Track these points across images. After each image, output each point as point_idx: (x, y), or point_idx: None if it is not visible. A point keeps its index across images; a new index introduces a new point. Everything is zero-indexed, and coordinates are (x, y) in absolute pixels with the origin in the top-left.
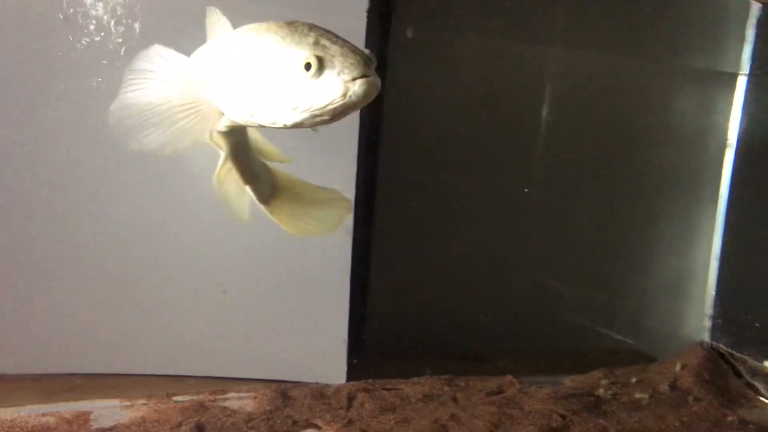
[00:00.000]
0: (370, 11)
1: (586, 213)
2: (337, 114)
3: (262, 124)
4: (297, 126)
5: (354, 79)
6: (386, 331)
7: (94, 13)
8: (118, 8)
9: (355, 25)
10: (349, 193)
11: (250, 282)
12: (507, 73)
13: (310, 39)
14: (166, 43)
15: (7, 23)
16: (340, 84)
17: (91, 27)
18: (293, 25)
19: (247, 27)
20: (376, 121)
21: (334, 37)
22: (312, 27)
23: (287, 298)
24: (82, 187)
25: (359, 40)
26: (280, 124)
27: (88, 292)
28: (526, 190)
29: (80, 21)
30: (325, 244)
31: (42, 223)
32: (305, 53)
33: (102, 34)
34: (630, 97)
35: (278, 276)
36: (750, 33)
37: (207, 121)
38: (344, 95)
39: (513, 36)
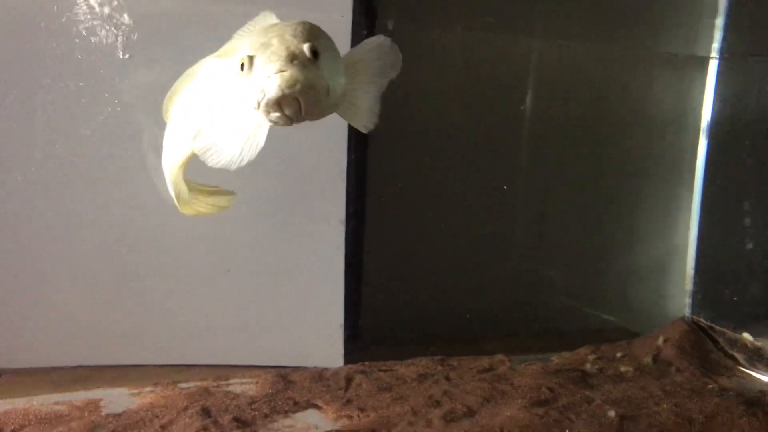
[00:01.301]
0: (354, 6)
1: (569, 198)
2: (278, 109)
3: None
4: (276, 125)
5: (270, 75)
6: (380, 317)
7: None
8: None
9: (341, 21)
10: (340, 184)
11: (248, 273)
12: (489, 64)
13: (264, 39)
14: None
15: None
16: (258, 80)
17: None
18: (270, 27)
19: (247, 32)
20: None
21: (290, 36)
22: (283, 26)
23: (285, 288)
24: (85, 180)
25: (345, 35)
26: (263, 124)
27: (94, 287)
28: (505, 187)
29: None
30: (320, 234)
31: (47, 218)
32: (243, 55)
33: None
34: (608, 84)
35: (275, 267)
36: (721, 17)
37: (258, 127)
38: (262, 92)
39: (494, 27)
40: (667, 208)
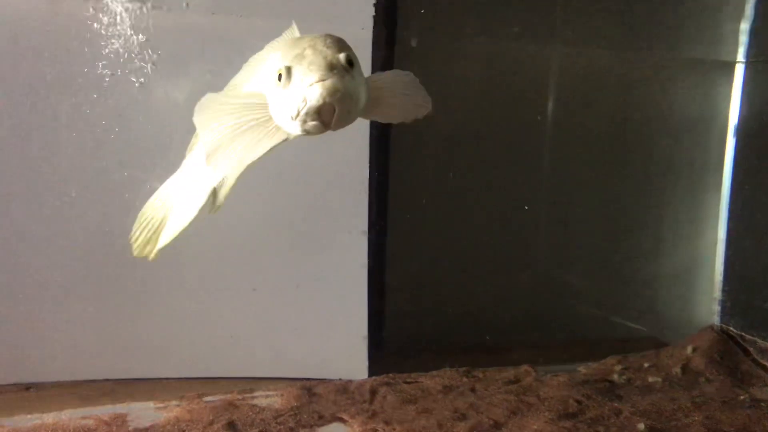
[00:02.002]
0: (375, 19)
1: (594, 204)
2: (317, 117)
3: (293, 134)
4: (308, 134)
5: (312, 84)
6: (404, 327)
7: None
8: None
9: (362, 34)
10: (363, 195)
11: (272, 285)
12: (511, 72)
13: (297, 50)
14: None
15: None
16: (298, 90)
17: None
18: (300, 39)
19: (278, 44)
20: (387, 126)
21: (323, 46)
22: (314, 38)
23: (308, 299)
24: (110, 192)
25: (366, 48)
26: (298, 133)
27: (121, 301)
28: (526, 207)
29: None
30: (342, 246)
31: (75, 233)
32: (280, 64)
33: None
34: (633, 90)
35: (299, 278)
36: (747, 22)
37: (279, 134)
38: (304, 100)
39: (515, 37)
40: (693, 214)
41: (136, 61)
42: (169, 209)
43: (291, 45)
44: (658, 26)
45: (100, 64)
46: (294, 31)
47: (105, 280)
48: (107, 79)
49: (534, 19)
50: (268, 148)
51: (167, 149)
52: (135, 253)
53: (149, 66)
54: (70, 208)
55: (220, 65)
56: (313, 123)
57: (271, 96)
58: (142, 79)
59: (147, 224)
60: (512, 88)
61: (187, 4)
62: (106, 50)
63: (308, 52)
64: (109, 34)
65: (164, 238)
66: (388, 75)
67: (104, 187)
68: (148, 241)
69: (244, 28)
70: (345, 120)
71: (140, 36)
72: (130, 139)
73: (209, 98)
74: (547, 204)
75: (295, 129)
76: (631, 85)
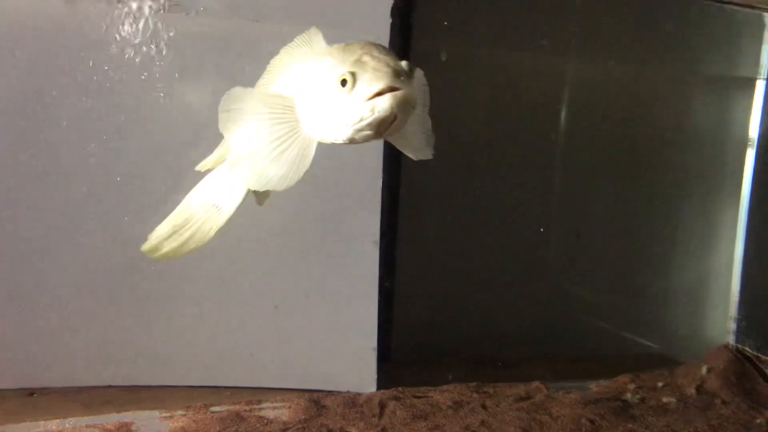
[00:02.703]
0: (392, 27)
1: (608, 218)
2: (377, 127)
3: (328, 141)
4: (353, 142)
5: (380, 93)
6: (413, 339)
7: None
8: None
9: (378, 42)
10: (375, 205)
11: (280, 295)
12: (526, 83)
13: (354, 56)
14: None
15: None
16: (366, 98)
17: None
18: (349, 45)
19: (319, 49)
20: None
21: (380, 54)
22: (365, 45)
23: (317, 310)
24: (118, 197)
25: None
26: (339, 141)
27: (126, 307)
28: (541, 229)
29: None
30: (353, 256)
31: (79, 237)
32: (342, 70)
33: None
34: (649, 104)
35: (308, 288)
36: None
37: (309, 145)
38: (372, 110)
39: (531, 48)
40: (708, 231)
41: (148, 63)
42: (206, 208)
43: (343, 51)
44: (677, 42)
45: (113, 65)
46: (314, 35)
47: (111, 287)
48: (117, 80)
49: (551, 32)
50: (293, 158)
51: (178, 154)
52: (155, 251)
53: (161, 68)
54: (76, 213)
55: (233, 68)
56: (369, 132)
57: (322, 101)
58: (159, 85)
59: (182, 225)
60: (527, 99)
61: (201, 10)
62: (120, 51)
63: (367, 58)
64: (123, 35)
65: (197, 239)
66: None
67: (113, 192)
68: (177, 242)
69: (258, 32)
70: (401, 128)
71: (154, 38)
72: (140, 143)
73: (236, 96)
74: (559, 216)
75: (343, 135)
76: (648, 99)
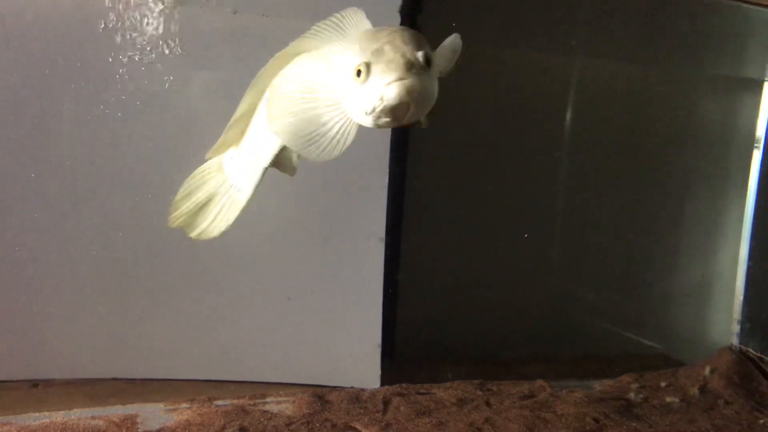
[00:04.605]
0: (402, 21)
1: (613, 218)
2: (392, 115)
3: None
4: (379, 127)
5: (390, 83)
6: (416, 336)
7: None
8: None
9: None
10: (381, 202)
11: (286, 290)
12: (531, 82)
13: (376, 45)
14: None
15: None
16: (378, 87)
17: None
18: (378, 32)
19: (357, 33)
20: (405, 130)
21: (402, 43)
22: (392, 33)
23: (323, 305)
24: (124, 189)
25: None
26: (366, 125)
27: (131, 300)
28: (526, 235)
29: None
30: (359, 253)
31: (85, 230)
32: (358, 60)
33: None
34: (654, 104)
35: (313, 284)
36: None
37: (351, 126)
38: (381, 98)
39: (537, 46)
40: (712, 232)
41: (157, 55)
42: (226, 188)
43: (369, 38)
44: (683, 42)
45: (122, 57)
46: (358, 15)
47: (116, 279)
48: (123, 72)
49: (557, 31)
50: (335, 126)
51: (183, 147)
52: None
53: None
54: (81, 205)
55: (242, 62)
56: (387, 119)
57: (346, 89)
58: (166, 77)
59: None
60: (532, 98)
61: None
62: (128, 44)
63: (387, 48)
64: (132, 28)
65: (222, 218)
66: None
67: (118, 185)
68: (200, 217)
69: (267, 27)
70: (419, 116)
71: (163, 32)
72: (147, 136)
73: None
74: (563, 216)
75: (367, 122)
76: (653, 99)
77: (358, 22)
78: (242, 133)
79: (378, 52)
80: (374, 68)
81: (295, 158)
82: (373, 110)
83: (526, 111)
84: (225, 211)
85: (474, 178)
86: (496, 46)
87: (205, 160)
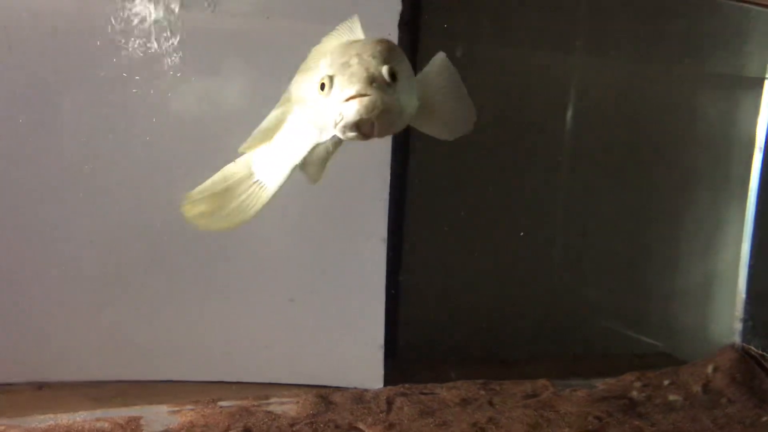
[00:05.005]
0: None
1: (613, 217)
2: (355, 130)
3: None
4: (348, 139)
5: (350, 99)
6: (419, 337)
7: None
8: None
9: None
10: (382, 203)
11: (287, 291)
12: (533, 81)
13: (345, 58)
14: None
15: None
16: (336, 103)
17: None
18: (349, 46)
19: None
20: (406, 130)
21: (370, 57)
22: (364, 45)
23: (324, 306)
24: (130, 191)
25: None
26: (336, 138)
27: (135, 302)
28: (521, 233)
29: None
30: (361, 253)
31: (90, 232)
32: (324, 73)
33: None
34: (655, 103)
35: (315, 285)
36: None
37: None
38: (341, 114)
39: (539, 46)
40: (714, 230)
41: (164, 59)
42: (248, 184)
43: (341, 51)
44: (684, 40)
45: (128, 62)
46: (354, 24)
47: (121, 281)
48: (130, 74)
49: (558, 30)
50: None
51: (192, 150)
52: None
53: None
54: (87, 207)
55: (247, 65)
56: (351, 134)
57: (314, 102)
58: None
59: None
60: (533, 98)
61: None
62: (133, 49)
63: (354, 61)
64: (136, 33)
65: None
66: (433, 71)
67: (123, 187)
68: (219, 212)
69: (269, 29)
70: (387, 131)
71: (168, 35)
72: (156, 139)
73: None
74: (565, 215)
75: (328, 135)
76: (654, 97)
77: (355, 30)
78: (277, 129)
79: (344, 66)
80: (336, 81)
81: (324, 157)
82: (335, 125)
83: (527, 111)
84: (244, 205)
85: (475, 178)
86: (496, 45)
87: (239, 154)
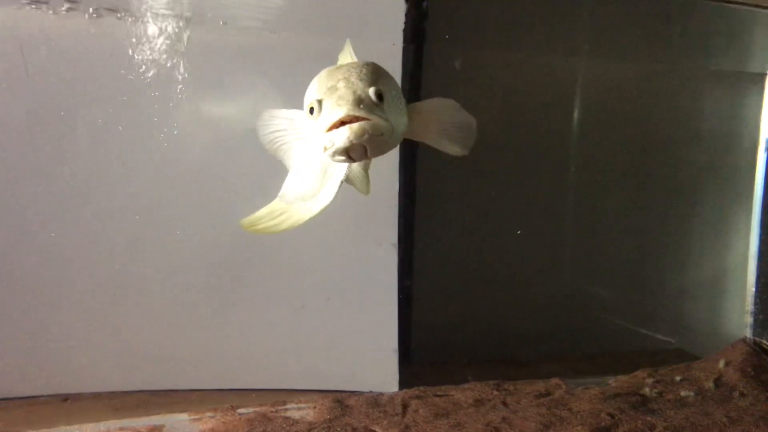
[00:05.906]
0: (405, 34)
1: (623, 216)
2: (346, 154)
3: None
4: (338, 162)
5: (337, 124)
6: (432, 339)
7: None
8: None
9: (393, 48)
10: (393, 208)
11: (303, 298)
12: (538, 84)
13: (332, 82)
14: None
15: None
16: (326, 129)
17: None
18: (335, 70)
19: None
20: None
21: (356, 79)
22: (349, 69)
23: (338, 312)
24: (145, 204)
25: (396, 63)
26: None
27: (154, 315)
28: (518, 232)
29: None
30: (373, 258)
31: (107, 241)
32: (312, 98)
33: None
34: (660, 102)
35: (329, 291)
36: None
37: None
38: (331, 141)
39: (543, 49)
40: (722, 226)
41: (174, 75)
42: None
43: (328, 75)
44: (687, 39)
45: (143, 78)
46: (345, 48)
47: (141, 293)
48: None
49: (563, 33)
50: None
51: (204, 166)
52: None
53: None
54: (105, 222)
55: (252, 79)
56: (342, 158)
57: (308, 127)
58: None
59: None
60: (539, 99)
61: (224, 23)
62: (144, 65)
63: (341, 84)
64: (147, 50)
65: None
66: (432, 102)
67: (142, 202)
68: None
69: (275, 44)
70: (379, 151)
71: (177, 52)
72: (168, 157)
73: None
74: (574, 215)
75: (331, 157)
76: (659, 96)
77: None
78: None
79: (331, 89)
80: (324, 104)
81: (364, 169)
82: (325, 149)
83: (533, 113)
84: (294, 217)
85: (484, 181)
86: (501, 49)
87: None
